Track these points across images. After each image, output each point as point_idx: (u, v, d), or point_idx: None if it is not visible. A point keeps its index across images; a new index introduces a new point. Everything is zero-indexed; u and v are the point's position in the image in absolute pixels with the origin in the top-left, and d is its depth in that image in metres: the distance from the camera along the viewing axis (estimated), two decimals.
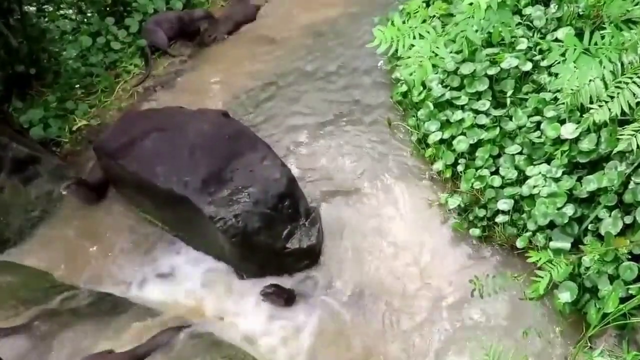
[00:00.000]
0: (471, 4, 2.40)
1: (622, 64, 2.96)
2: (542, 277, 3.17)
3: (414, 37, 2.60)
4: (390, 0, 5.97)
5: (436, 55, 2.52)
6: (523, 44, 4.44)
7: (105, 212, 4.80)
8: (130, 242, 4.59)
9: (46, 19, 5.98)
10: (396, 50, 2.70)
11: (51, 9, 6.04)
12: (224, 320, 4.14)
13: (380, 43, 2.66)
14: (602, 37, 2.87)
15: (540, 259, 3.23)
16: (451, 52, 2.55)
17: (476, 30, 2.62)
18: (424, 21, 2.75)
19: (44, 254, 4.62)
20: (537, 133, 4.14)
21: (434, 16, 4.90)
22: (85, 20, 6.12)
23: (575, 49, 2.66)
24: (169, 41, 6.09)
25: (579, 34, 4.07)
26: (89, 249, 4.61)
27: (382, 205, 4.59)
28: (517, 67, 4.38)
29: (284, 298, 4.15)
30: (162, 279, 4.40)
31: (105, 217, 4.77)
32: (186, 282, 4.36)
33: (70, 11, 6.17)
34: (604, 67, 2.76)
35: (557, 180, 3.89)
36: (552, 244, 3.77)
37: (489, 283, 3.56)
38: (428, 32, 2.71)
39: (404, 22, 2.94)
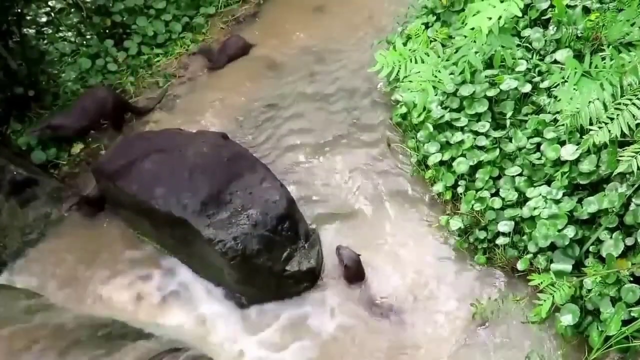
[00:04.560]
0: (472, 28, 2.40)
1: (622, 87, 2.96)
2: (544, 300, 3.14)
3: (416, 62, 2.60)
4: (388, 22, 6.01)
5: (439, 80, 2.51)
6: (522, 66, 4.46)
7: (103, 235, 4.76)
8: (128, 266, 4.55)
9: (45, 41, 6.00)
10: (397, 73, 2.70)
11: (50, 31, 6.06)
12: (221, 344, 4.10)
13: (382, 67, 2.66)
14: (603, 59, 2.88)
15: (542, 282, 3.20)
16: (452, 74, 2.54)
17: (476, 52, 2.62)
18: (425, 44, 2.73)
19: (39, 276, 4.57)
20: (537, 154, 4.14)
21: (435, 40, 4.92)
22: (85, 42, 6.13)
23: (576, 72, 2.66)
24: None
25: (578, 56, 4.11)
26: (85, 272, 4.56)
27: (382, 227, 4.57)
28: (516, 88, 4.39)
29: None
30: (159, 302, 4.35)
31: (102, 240, 4.73)
32: (184, 306, 4.31)
33: (70, 33, 6.18)
34: (605, 90, 2.76)
35: (557, 201, 3.88)
36: (554, 266, 3.74)
37: (490, 306, 3.54)
38: (428, 55, 2.71)
39: (404, 44, 2.95)
